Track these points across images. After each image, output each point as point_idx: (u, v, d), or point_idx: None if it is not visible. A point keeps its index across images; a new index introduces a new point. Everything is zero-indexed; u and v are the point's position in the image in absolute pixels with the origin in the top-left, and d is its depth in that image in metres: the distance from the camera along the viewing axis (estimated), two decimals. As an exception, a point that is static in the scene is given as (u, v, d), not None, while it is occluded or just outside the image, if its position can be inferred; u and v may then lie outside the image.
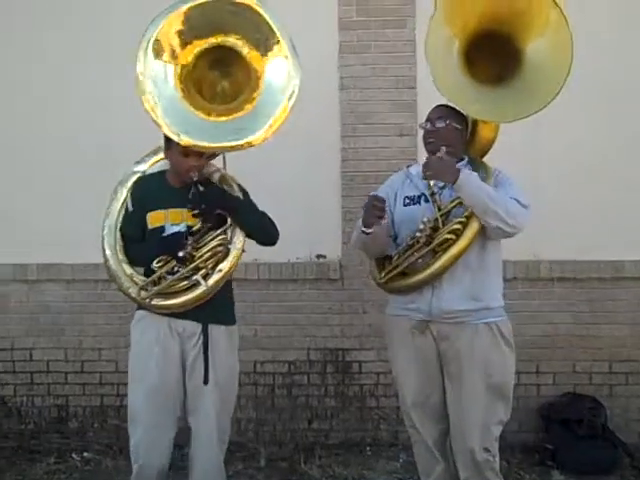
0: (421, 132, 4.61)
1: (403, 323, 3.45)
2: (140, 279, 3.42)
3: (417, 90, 4.83)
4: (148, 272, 3.42)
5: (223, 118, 3.28)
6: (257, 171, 4.78)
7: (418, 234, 3.27)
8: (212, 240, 3.32)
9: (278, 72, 3.23)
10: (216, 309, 3.42)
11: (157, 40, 3.24)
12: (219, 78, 3.43)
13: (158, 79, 3.25)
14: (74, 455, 4.92)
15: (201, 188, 3.29)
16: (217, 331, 3.46)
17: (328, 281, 4.96)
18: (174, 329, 3.43)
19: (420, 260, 3.30)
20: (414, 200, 3.44)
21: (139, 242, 3.48)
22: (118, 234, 3.51)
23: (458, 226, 3.24)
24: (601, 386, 4.92)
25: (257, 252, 4.74)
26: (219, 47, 3.32)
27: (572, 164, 4.76)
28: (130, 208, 3.51)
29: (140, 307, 3.50)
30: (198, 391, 3.44)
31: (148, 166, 3.64)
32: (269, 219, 3.52)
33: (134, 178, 3.62)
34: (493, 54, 3.40)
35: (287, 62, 3.23)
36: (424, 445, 3.49)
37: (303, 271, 4.96)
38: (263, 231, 3.49)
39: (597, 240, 4.77)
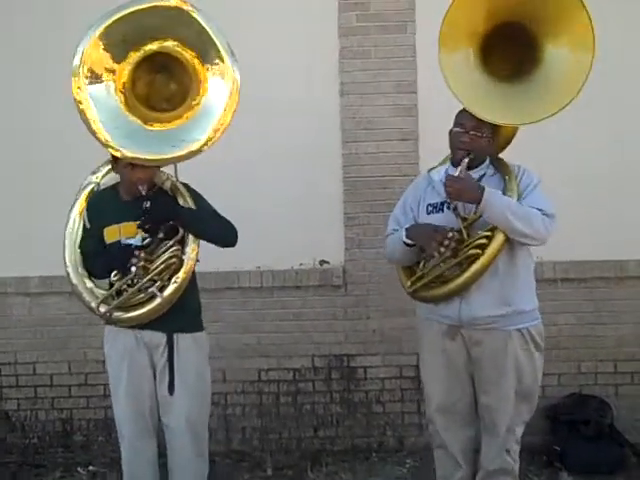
0: (423, 136, 4.71)
1: (433, 327, 3.43)
2: (100, 293, 3.43)
3: (418, 95, 4.80)
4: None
5: (166, 126, 3.29)
6: (258, 178, 4.82)
7: (442, 249, 3.21)
8: (164, 252, 3.32)
9: (218, 78, 3.24)
10: (181, 317, 3.42)
11: (84, 65, 3.21)
12: (164, 83, 3.42)
13: (98, 98, 3.24)
14: (79, 469, 4.88)
15: (147, 204, 3.28)
16: (183, 340, 3.45)
17: (332, 287, 4.94)
18: (140, 340, 3.44)
19: (447, 272, 3.27)
20: (437, 208, 3.40)
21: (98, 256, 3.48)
22: (77, 249, 3.53)
23: (483, 240, 3.20)
24: (607, 386, 4.91)
25: (260, 259, 4.83)
26: (159, 54, 3.31)
27: (576, 165, 4.76)
28: (87, 225, 3.51)
29: (107, 321, 3.51)
30: (167, 401, 3.45)
31: (102, 175, 3.65)
32: (225, 223, 3.48)
33: (89, 189, 3.64)
34: (511, 47, 3.35)
35: (225, 68, 3.23)
36: (445, 450, 3.49)
37: (307, 278, 4.93)
38: (217, 237, 3.48)
39: (600, 240, 4.77)
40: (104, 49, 3.22)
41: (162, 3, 3.19)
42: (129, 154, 3.23)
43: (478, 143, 3.29)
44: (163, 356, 3.42)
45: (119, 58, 3.26)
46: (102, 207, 3.49)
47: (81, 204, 3.60)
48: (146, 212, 3.28)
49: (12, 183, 5.01)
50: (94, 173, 3.68)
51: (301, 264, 4.97)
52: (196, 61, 3.25)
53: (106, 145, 3.25)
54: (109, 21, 3.19)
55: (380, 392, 4.99)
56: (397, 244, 3.42)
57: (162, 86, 3.41)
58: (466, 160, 3.25)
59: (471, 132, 3.29)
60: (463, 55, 3.31)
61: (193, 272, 3.47)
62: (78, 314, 4.88)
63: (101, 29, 3.20)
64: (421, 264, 3.41)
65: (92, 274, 3.50)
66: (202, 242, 3.43)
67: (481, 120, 3.27)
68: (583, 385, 4.92)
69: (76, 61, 3.20)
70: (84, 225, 3.53)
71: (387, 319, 4.85)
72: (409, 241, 3.34)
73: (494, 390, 3.34)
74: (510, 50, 3.37)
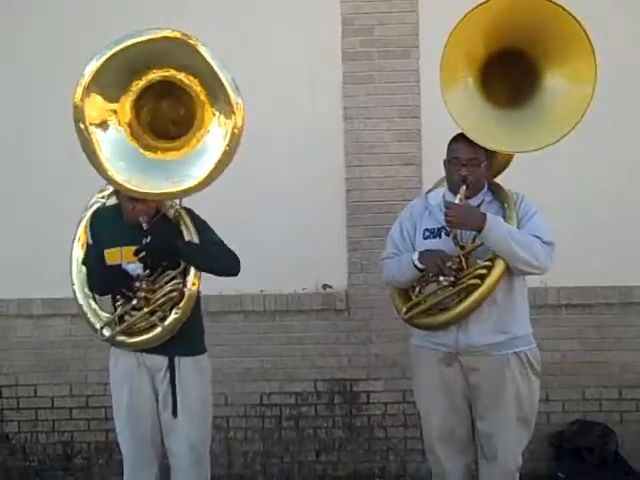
0: (426, 161, 4.71)
1: (429, 354, 3.39)
2: (104, 315, 3.47)
3: (421, 119, 4.83)
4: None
5: (169, 156, 3.28)
6: (261, 202, 4.82)
7: (441, 278, 3.19)
8: (166, 285, 3.33)
9: (222, 115, 3.20)
10: (183, 341, 3.42)
11: (82, 114, 3.16)
12: (171, 108, 3.39)
13: (102, 138, 3.21)
14: (80, 492, 4.85)
15: (147, 239, 3.28)
16: (185, 363, 3.45)
17: (334, 311, 4.93)
18: (142, 363, 3.44)
19: (446, 300, 3.24)
20: (434, 233, 3.37)
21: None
22: (83, 267, 3.56)
23: (483, 271, 3.18)
24: (611, 413, 4.88)
25: (263, 283, 4.82)
26: (163, 82, 3.27)
27: (579, 190, 4.76)
28: (90, 241, 3.53)
29: (111, 344, 3.52)
30: (170, 424, 3.45)
31: (108, 194, 3.66)
32: (226, 253, 3.46)
33: (95, 207, 3.65)
34: (512, 74, 3.35)
35: (229, 105, 3.18)
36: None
37: (309, 302, 4.92)
38: (218, 269, 3.47)
39: (605, 266, 4.74)
40: (98, 94, 3.17)
41: (168, 34, 3.15)
42: (131, 188, 3.22)
43: (477, 173, 3.27)
44: (165, 380, 3.43)
45: (118, 95, 3.22)
46: (104, 226, 3.51)
47: (86, 222, 3.60)
48: (146, 247, 3.28)
49: (16, 205, 5.02)
50: (101, 192, 3.70)
51: (304, 288, 4.95)
52: (202, 94, 3.23)
53: (110, 180, 3.25)
54: (103, 59, 3.13)
55: (382, 417, 4.97)
56: (406, 266, 3.36)
57: (169, 110, 3.39)
58: (464, 187, 3.21)
59: (468, 165, 3.26)
60: (463, 82, 3.29)
61: (198, 298, 3.48)
62: (80, 337, 4.90)
63: (93, 71, 3.13)
64: (416, 289, 3.37)
65: (92, 289, 3.53)
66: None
67: (475, 149, 3.25)
68: (587, 412, 4.88)
69: (75, 113, 3.16)
70: (87, 242, 3.55)
71: (390, 344, 4.83)
72: (421, 265, 3.29)
73: (492, 416, 3.31)
74: (510, 76, 3.36)
